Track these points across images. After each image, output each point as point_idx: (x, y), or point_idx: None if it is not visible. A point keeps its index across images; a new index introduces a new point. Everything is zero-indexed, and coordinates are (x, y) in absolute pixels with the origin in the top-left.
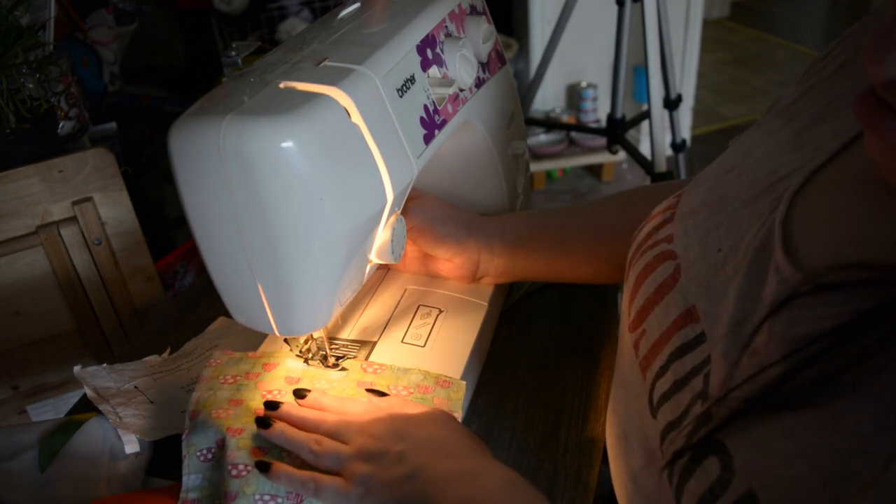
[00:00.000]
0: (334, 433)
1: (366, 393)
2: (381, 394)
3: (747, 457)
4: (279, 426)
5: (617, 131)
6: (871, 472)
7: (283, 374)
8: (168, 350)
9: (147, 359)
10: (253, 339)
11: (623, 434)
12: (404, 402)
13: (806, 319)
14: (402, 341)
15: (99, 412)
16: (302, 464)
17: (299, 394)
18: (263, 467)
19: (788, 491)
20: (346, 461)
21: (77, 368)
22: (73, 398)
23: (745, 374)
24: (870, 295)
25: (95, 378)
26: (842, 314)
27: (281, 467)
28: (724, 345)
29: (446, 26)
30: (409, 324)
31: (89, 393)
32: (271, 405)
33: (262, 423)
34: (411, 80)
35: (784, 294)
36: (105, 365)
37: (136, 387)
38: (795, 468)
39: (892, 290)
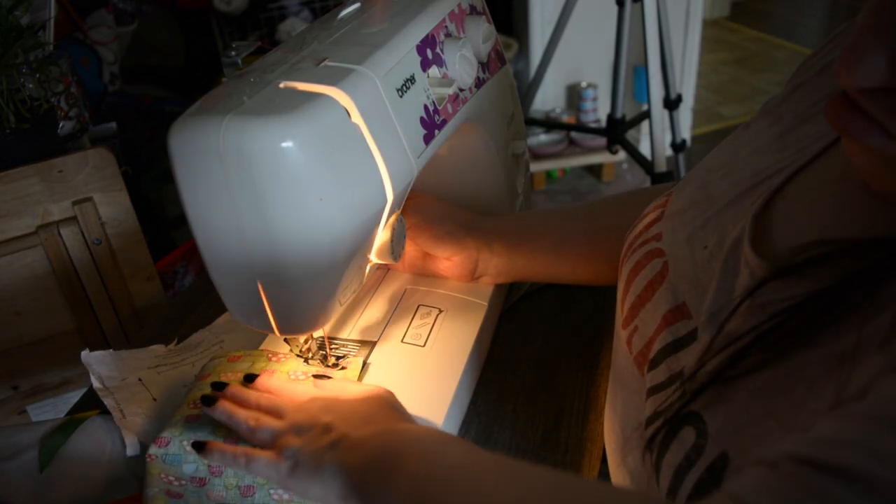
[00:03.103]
0: (272, 410)
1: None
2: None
3: (720, 421)
4: (222, 404)
5: (617, 131)
6: (818, 414)
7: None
8: (175, 341)
9: (152, 347)
10: (258, 336)
11: (621, 429)
12: (347, 384)
13: (772, 303)
14: (401, 341)
15: (99, 412)
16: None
17: (249, 378)
18: (199, 447)
19: (758, 448)
20: (279, 435)
21: (84, 353)
22: (73, 398)
23: (714, 351)
24: (832, 274)
25: (101, 364)
26: (806, 294)
27: (214, 445)
28: (701, 333)
29: (446, 26)
30: (409, 324)
31: (95, 383)
32: (218, 386)
33: (207, 400)
34: (411, 80)
35: (753, 285)
36: (111, 350)
37: (140, 379)
38: (763, 426)
39: (852, 265)
